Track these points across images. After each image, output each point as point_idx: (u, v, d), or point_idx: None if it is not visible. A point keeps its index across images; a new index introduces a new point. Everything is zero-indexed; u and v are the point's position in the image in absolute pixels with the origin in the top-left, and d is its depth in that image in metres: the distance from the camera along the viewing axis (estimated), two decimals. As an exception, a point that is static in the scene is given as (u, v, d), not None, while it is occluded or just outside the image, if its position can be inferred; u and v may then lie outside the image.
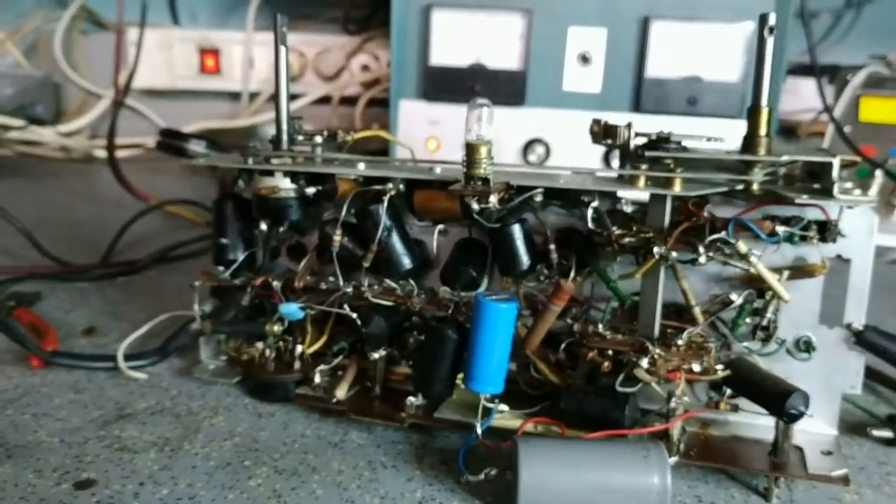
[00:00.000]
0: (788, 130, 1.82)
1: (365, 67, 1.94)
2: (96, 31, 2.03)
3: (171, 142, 1.50)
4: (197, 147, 1.50)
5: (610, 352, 0.62)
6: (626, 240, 0.61)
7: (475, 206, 0.60)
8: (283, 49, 0.70)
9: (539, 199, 0.62)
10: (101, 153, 1.78)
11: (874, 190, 0.56)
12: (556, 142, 1.34)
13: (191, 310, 0.76)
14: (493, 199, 0.60)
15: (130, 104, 1.97)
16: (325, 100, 1.94)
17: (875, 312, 0.65)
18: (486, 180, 0.60)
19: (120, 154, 1.79)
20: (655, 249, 0.59)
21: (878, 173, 0.86)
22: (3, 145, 1.77)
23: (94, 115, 1.90)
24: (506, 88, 1.40)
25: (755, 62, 0.61)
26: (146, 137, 1.89)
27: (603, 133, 0.66)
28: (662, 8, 1.37)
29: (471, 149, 0.60)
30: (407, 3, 1.41)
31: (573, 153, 1.33)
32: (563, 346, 0.65)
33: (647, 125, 1.34)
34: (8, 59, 2.02)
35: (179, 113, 1.95)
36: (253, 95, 1.98)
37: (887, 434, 0.68)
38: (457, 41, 1.40)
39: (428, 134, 1.42)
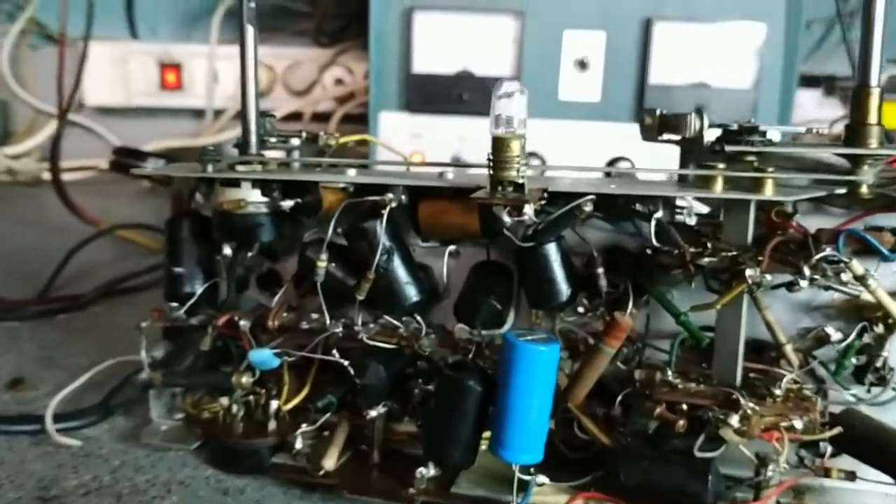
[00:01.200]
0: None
1: (339, 81, 1.80)
2: (46, 45, 1.86)
3: (126, 160, 1.34)
4: (155, 166, 1.35)
5: (684, 406, 0.48)
6: (706, 260, 0.46)
7: (506, 219, 0.46)
8: (249, 29, 0.56)
9: (589, 208, 0.48)
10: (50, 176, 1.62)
11: None
12: (553, 155, 1.21)
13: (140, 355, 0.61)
14: (529, 210, 0.46)
15: (83, 123, 1.81)
16: (295, 116, 1.80)
17: None
18: (519, 185, 0.46)
19: (70, 176, 1.63)
20: (748, 272, 0.45)
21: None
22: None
23: (44, 135, 1.74)
24: (497, 97, 1.26)
25: (861, 23, 0.47)
26: (100, 159, 1.73)
27: (659, 126, 0.52)
28: (666, 8, 1.25)
29: (499, 145, 0.46)
30: (386, 6, 1.27)
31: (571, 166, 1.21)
32: (619, 398, 0.51)
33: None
34: (-50, 76, 1.85)
35: (137, 132, 1.79)
36: (218, 112, 1.83)
37: None
38: (442, 47, 1.28)
39: (411, 148, 1.29)
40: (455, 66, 1.28)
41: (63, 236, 1.16)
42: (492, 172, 0.46)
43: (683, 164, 0.52)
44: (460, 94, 1.28)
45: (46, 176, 1.66)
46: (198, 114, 1.85)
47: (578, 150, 1.23)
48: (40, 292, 0.95)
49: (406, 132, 1.30)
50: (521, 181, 0.46)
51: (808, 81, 1.59)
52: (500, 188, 0.46)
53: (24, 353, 0.79)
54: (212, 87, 1.81)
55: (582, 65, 1.27)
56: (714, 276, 0.48)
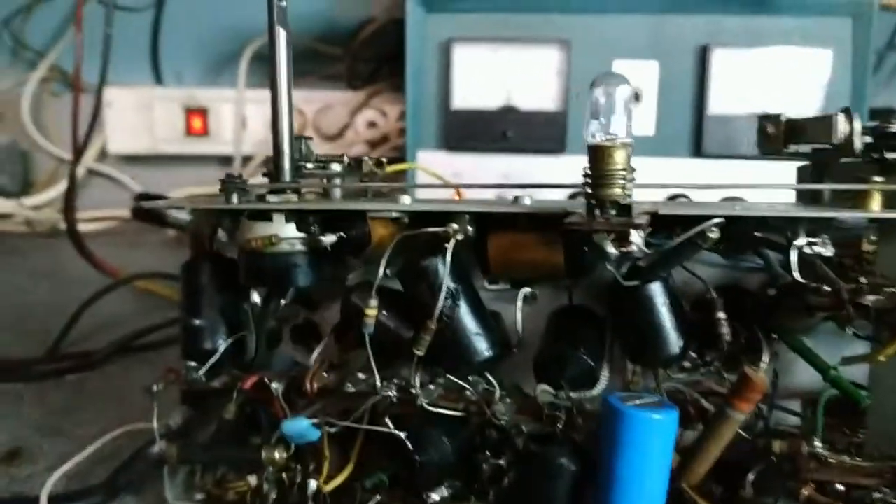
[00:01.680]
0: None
1: (371, 124, 1.72)
2: (68, 93, 1.81)
3: (148, 207, 1.27)
4: (178, 214, 1.27)
5: (839, 486, 0.37)
6: (871, 298, 0.36)
7: (611, 250, 0.36)
8: (281, 32, 0.47)
9: (715, 235, 0.37)
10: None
11: None
12: (606, 194, 1.12)
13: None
14: (638, 239, 0.36)
15: (105, 172, 1.75)
16: (327, 161, 1.72)
17: None
18: (624, 207, 0.36)
19: (92, 227, 1.57)
20: (931, 315, 0.34)
21: None
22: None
23: (65, 185, 1.67)
24: (542, 133, 1.19)
25: None
26: (123, 208, 1.66)
27: (786, 134, 0.42)
28: (723, 34, 1.17)
29: (599, 155, 0.36)
30: (423, 40, 1.20)
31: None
32: (751, 477, 0.40)
33: (710, 171, 1.13)
34: (-31, 126, 1.80)
35: (162, 180, 1.73)
36: (246, 159, 1.75)
37: None
38: (483, 80, 1.20)
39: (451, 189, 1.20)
40: (497, 100, 1.20)
41: (78, 289, 1.08)
42: (589, 191, 0.36)
43: (814, 181, 0.42)
44: (503, 131, 1.19)
45: (65, 226, 1.59)
46: (225, 160, 1.78)
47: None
48: (49, 350, 0.85)
49: (445, 172, 1.21)
50: (628, 202, 0.36)
51: (877, 116, 1.48)
52: (599, 211, 0.36)
53: (25, 420, 0.69)
54: (240, 133, 1.74)
55: (634, 96, 1.18)
56: (880, 318, 0.37)
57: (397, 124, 1.68)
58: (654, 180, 1.22)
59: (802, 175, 0.47)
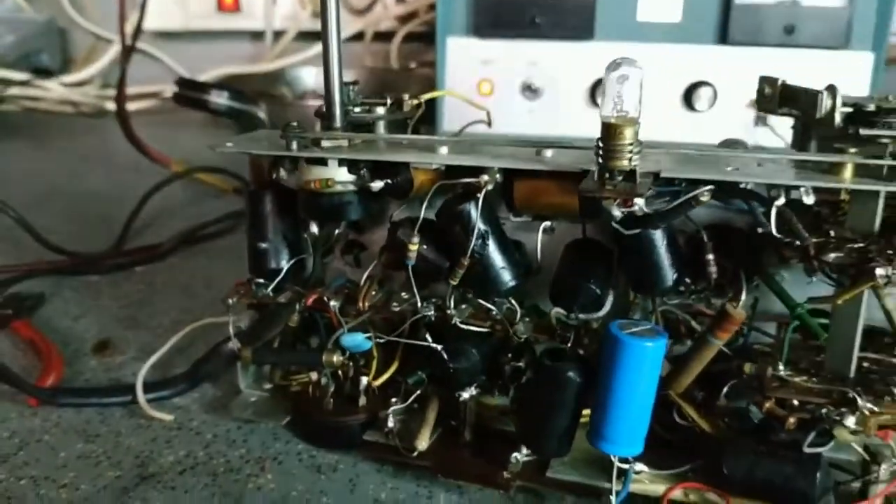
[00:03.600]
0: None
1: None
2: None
3: (190, 93, 1.33)
4: (218, 99, 1.33)
5: (795, 402, 0.46)
6: (832, 255, 0.43)
7: (616, 213, 0.43)
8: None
9: (706, 198, 0.44)
10: (114, 106, 1.61)
11: None
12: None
13: (224, 313, 0.60)
14: (641, 202, 0.43)
15: (142, 48, 1.79)
16: (357, 36, 1.75)
17: None
18: (630, 174, 0.43)
19: (133, 106, 1.62)
20: (878, 271, 0.41)
21: None
22: (7, 101, 1.60)
23: (103, 62, 1.73)
24: (571, 20, 1.21)
25: None
26: (162, 85, 1.71)
27: (781, 97, 0.48)
28: (755, -77, 1.16)
29: (610, 131, 0.43)
30: (455, -83, 1.20)
31: (651, 93, 1.15)
32: (725, 391, 0.48)
33: (735, 59, 1.15)
34: (7, 3, 1.83)
35: (196, 56, 1.77)
36: (277, 34, 1.78)
37: None
38: (512, -36, 1.21)
39: (480, 76, 1.24)
40: (525, -15, 1.21)
41: (131, 175, 1.16)
42: (601, 161, 0.43)
43: (802, 140, 0.48)
44: (532, 17, 1.22)
45: (109, 106, 1.65)
46: (256, 36, 1.82)
47: (659, 74, 1.17)
48: (116, 243, 0.95)
49: (475, 58, 1.25)
50: (634, 169, 0.43)
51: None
52: (609, 178, 0.43)
53: (106, 312, 0.79)
54: (270, 7, 1.76)
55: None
56: (840, 272, 0.45)
57: (428, 0, 1.69)
58: (678, 67, 1.24)
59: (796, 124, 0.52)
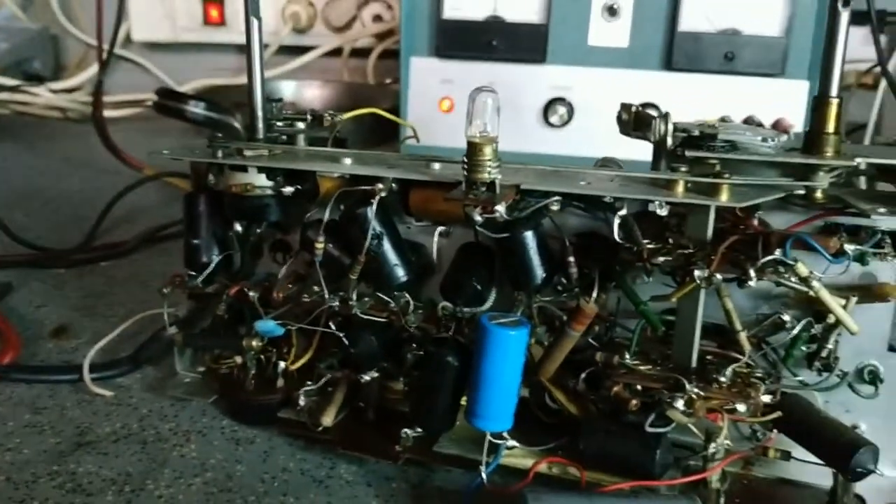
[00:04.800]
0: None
1: (377, 17, 1.82)
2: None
3: (169, 103, 1.39)
4: (195, 108, 1.40)
5: (639, 387, 0.53)
6: (661, 258, 0.50)
7: (477, 218, 0.50)
8: (254, 22, 0.60)
9: (556, 208, 0.52)
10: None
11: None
12: (581, 102, 1.22)
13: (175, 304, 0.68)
14: (501, 209, 0.50)
15: (132, 58, 1.87)
16: (336, 52, 1.83)
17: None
18: (490, 185, 0.50)
19: (119, 113, 1.70)
20: (696, 273, 0.49)
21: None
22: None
23: (92, 70, 1.80)
24: (526, 43, 1.28)
25: (825, 41, 0.49)
26: (149, 94, 1.78)
27: (634, 122, 0.55)
28: (697, -45, 1.23)
29: (473, 148, 0.50)
30: (420, -52, 1.28)
31: (598, 114, 1.21)
32: (582, 376, 0.55)
33: (679, 84, 1.23)
34: (3, 11, 1.91)
35: (184, 67, 1.85)
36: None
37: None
38: (471, -10, 1.28)
39: (441, 94, 1.31)
40: (485, 10, 1.28)
41: (108, 178, 1.23)
42: (465, 174, 0.50)
43: (654, 161, 0.55)
44: (489, 41, 1.29)
45: (96, 112, 1.73)
46: (241, 48, 1.89)
47: (607, 96, 1.24)
48: (85, 239, 1.02)
49: (437, 77, 1.32)
50: (493, 181, 0.50)
51: (858, 18, 1.55)
52: (473, 188, 0.50)
53: (67, 302, 0.86)
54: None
55: (611, 10, 1.27)
56: (670, 273, 0.52)
57: (401, 20, 1.77)
58: (626, 90, 1.32)
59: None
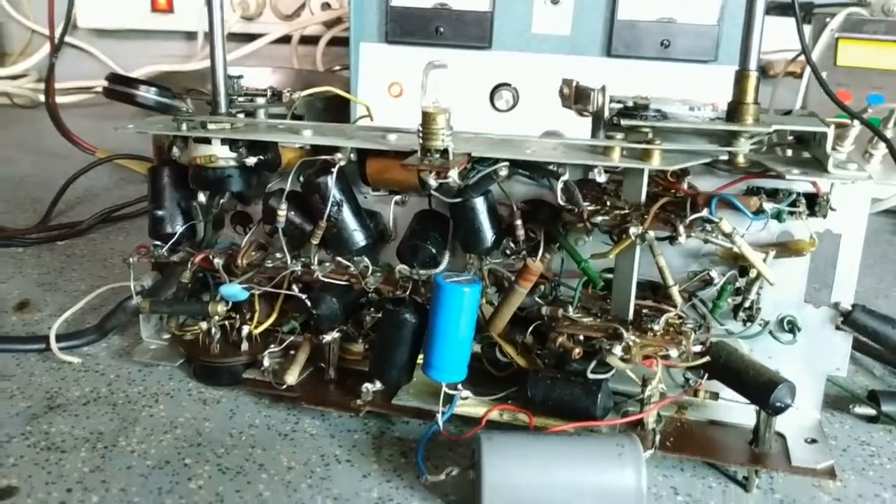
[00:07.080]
0: (760, 70, 1.76)
1: (326, 5, 1.84)
2: (38, -34, 1.90)
3: (119, 88, 1.40)
4: (146, 93, 1.41)
5: (581, 337, 0.57)
6: (599, 218, 0.55)
7: (432, 182, 0.54)
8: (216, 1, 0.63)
9: (504, 172, 0.56)
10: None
11: (874, 164, 0.51)
12: (525, 87, 1.27)
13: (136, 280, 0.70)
14: (454, 174, 0.54)
15: (78, 45, 1.87)
16: (285, 39, 1.85)
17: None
18: (444, 152, 0.54)
19: (67, 99, 1.69)
20: (631, 230, 0.53)
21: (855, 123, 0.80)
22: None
23: (38, 57, 1.79)
24: (472, 30, 1.32)
25: (744, 21, 0.54)
26: (98, 80, 1.78)
27: (574, 96, 0.60)
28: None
29: (427, 118, 0.54)
30: (368, -65, 1.31)
31: (542, 99, 1.26)
32: (530, 329, 0.60)
33: (618, 70, 1.28)
34: (-57, -3, 1.89)
35: (131, 54, 1.85)
36: (208, 35, 1.87)
37: (869, 411, 0.65)
38: (419, -22, 1.31)
39: (391, 79, 1.34)
40: (432, -1, 1.32)
41: (60, 162, 1.24)
42: (421, 142, 0.54)
43: (593, 130, 0.60)
44: (437, 27, 1.33)
45: (43, 98, 1.72)
46: (189, 35, 1.90)
47: (550, 81, 1.29)
48: (41, 219, 1.03)
49: (386, 63, 1.35)
50: (446, 148, 0.54)
51: (785, 8, 1.62)
52: (427, 155, 0.54)
53: (28, 278, 0.88)
54: (202, 10, 1.85)
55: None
56: (608, 232, 0.57)
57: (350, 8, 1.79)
58: (568, 76, 1.37)
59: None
